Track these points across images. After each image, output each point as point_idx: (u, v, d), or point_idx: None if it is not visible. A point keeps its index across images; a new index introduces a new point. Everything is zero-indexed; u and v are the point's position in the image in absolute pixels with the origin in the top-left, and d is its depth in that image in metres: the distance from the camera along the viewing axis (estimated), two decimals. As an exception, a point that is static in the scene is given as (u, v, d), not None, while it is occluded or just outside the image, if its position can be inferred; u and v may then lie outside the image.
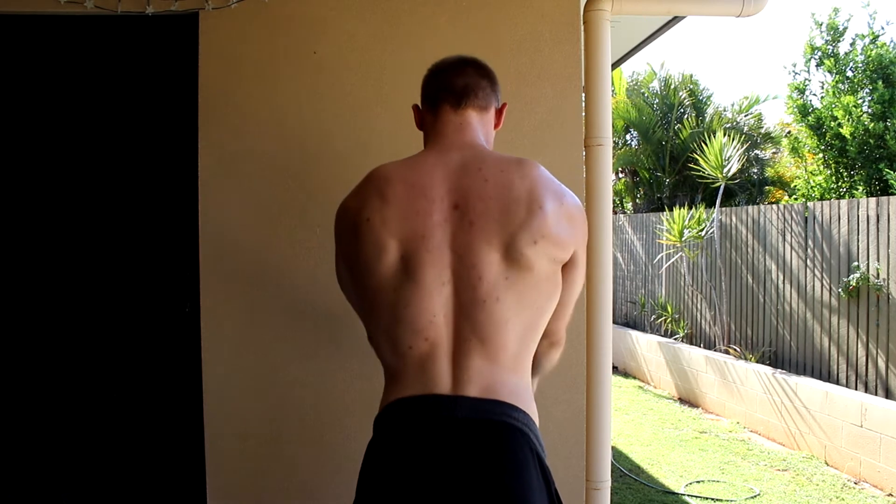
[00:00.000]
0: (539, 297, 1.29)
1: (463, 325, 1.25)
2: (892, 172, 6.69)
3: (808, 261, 5.30)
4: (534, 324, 1.30)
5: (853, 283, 4.69)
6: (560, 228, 1.28)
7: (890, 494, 3.97)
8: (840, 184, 7.63)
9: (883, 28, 9.93)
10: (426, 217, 1.26)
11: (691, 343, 6.82)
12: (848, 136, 7.19)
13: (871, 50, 7.37)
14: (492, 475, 1.18)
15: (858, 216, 4.79)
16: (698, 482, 4.17)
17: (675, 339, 6.96)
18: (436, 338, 1.25)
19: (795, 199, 8.65)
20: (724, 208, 6.52)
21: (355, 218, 1.31)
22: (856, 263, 4.73)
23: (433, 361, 1.25)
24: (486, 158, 1.34)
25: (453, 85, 1.41)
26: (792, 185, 9.48)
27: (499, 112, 1.49)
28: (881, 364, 4.51)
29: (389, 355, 1.31)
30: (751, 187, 9.92)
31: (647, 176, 10.61)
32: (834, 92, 7.55)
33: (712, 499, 3.91)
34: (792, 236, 5.50)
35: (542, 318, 1.31)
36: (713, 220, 6.40)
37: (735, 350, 6.01)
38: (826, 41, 7.83)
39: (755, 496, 3.94)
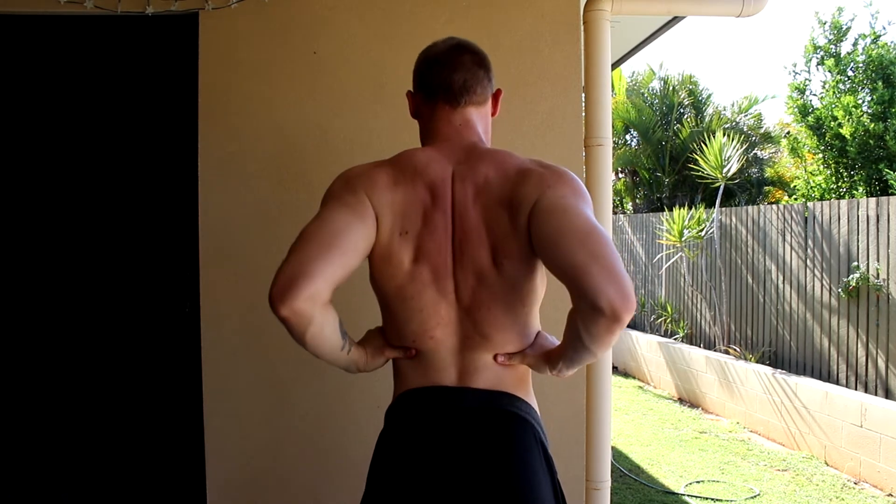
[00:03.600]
0: (518, 296, 1.27)
1: (466, 325, 1.27)
2: (892, 172, 6.68)
3: (807, 261, 5.30)
4: (522, 322, 1.29)
5: (853, 283, 4.69)
6: (531, 220, 1.20)
7: (890, 494, 3.97)
8: (840, 184, 7.62)
9: (885, 28, 9.89)
10: (444, 230, 1.25)
11: (691, 343, 6.82)
12: (848, 137, 7.18)
13: (872, 50, 7.36)
14: (499, 461, 1.22)
15: (858, 216, 4.79)
16: (698, 482, 4.17)
17: (675, 339, 6.96)
18: (442, 337, 1.27)
19: (795, 199, 8.64)
20: (723, 208, 6.52)
21: (400, 221, 1.25)
22: (856, 263, 4.73)
23: (439, 357, 1.28)
24: (482, 160, 1.29)
25: (451, 81, 1.32)
26: (792, 186, 9.48)
27: (495, 98, 1.42)
28: (881, 364, 4.51)
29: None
30: (750, 187, 9.91)
31: (647, 176, 10.60)
32: (834, 92, 7.55)
33: (712, 499, 3.91)
34: (792, 236, 5.50)
35: (524, 313, 1.28)
36: (713, 221, 6.39)
37: (735, 350, 6.00)
38: (829, 40, 7.82)
39: (755, 496, 3.93)
